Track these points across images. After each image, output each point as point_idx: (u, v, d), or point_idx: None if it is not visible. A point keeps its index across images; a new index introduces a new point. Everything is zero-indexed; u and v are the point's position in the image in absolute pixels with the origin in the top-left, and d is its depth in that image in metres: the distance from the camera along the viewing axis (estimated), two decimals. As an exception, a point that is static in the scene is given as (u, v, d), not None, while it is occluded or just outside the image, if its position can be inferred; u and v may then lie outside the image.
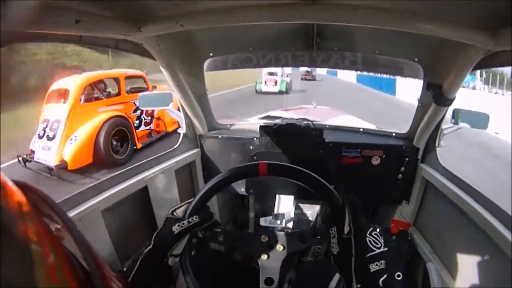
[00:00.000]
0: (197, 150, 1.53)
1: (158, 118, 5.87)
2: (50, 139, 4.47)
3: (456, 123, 1.30)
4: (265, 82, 13.65)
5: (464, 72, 1.06)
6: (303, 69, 18.44)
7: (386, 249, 0.65)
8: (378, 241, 0.65)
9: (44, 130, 4.56)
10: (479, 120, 1.33)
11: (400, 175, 1.39)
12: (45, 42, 1.00)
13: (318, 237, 0.79)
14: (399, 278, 1.03)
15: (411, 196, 1.40)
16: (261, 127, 1.43)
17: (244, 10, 0.89)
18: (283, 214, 1.35)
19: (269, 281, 0.75)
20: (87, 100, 4.83)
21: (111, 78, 5.44)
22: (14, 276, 0.22)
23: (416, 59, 1.24)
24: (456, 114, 1.30)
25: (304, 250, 1.11)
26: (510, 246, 0.81)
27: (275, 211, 1.39)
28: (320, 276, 0.81)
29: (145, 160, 1.30)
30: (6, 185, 0.26)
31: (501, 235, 0.85)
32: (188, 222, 0.76)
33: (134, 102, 5.25)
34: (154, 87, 6.03)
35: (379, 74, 13.24)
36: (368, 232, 0.66)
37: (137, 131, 5.36)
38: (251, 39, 1.32)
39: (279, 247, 0.79)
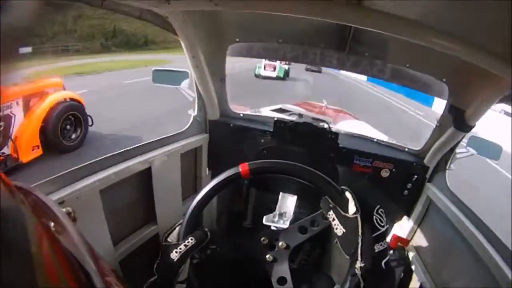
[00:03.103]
0: (205, 135, 1.49)
1: (16, 139, 3.76)
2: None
3: (470, 149, 1.32)
4: (264, 67, 14.28)
5: (490, 103, 1.06)
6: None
7: (387, 226, 0.66)
8: (383, 218, 0.67)
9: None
10: (490, 149, 1.35)
11: (406, 191, 1.40)
12: (65, 1, 0.91)
13: (317, 226, 0.78)
14: None
15: (412, 213, 1.42)
16: (276, 121, 1.40)
17: None
18: (285, 213, 1.34)
19: (281, 280, 0.75)
20: None
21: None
22: (14, 277, 0.21)
23: (444, 79, 1.23)
24: (470, 140, 1.31)
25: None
26: (506, 279, 0.82)
27: (278, 210, 1.39)
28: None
29: (150, 141, 1.24)
30: (5, 187, 0.26)
31: (499, 267, 0.86)
32: (185, 245, 0.74)
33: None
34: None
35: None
36: (375, 211, 0.67)
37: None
38: (282, 30, 1.26)
39: (282, 245, 0.79)
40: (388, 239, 1.23)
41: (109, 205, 1.03)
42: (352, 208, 0.66)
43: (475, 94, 1.09)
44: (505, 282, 0.83)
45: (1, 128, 3.63)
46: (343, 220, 0.66)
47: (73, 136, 4.45)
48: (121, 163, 1.09)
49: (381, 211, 0.66)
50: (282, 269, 0.77)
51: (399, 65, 1.27)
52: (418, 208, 1.38)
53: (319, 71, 18.49)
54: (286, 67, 15.09)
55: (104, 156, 1.05)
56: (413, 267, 1.28)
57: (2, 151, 3.69)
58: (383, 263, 0.62)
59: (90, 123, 4.62)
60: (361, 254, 0.63)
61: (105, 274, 0.37)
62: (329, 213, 0.69)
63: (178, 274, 0.74)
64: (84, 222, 0.86)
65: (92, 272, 0.31)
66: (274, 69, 14.37)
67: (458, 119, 1.17)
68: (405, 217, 1.47)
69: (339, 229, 0.67)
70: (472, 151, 1.33)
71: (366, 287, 0.60)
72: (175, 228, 0.81)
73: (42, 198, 0.36)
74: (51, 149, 4.07)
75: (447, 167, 1.33)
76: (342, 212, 0.67)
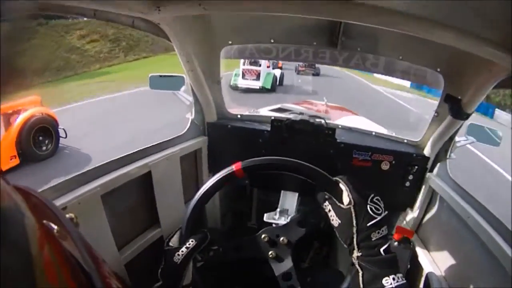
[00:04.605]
0: (204, 138, 1.50)
1: None
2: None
3: (468, 136, 1.31)
4: (243, 75, 9.81)
5: (486, 89, 1.05)
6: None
7: (386, 212, 0.65)
8: (379, 206, 0.65)
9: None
10: (489, 136, 1.34)
11: (407, 182, 1.39)
12: (58, 13, 0.94)
13: (315, 218, 0.78)
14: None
15: (415, 204, 1.41)
16: (272, 120, 1.41)
17: None
18: (287, 210, 1.35)
19: (286, 276, 0.75)
20: None
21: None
22: (14, 278, 0.22)
23: (438, 69, 1.23)
24: (470, 128, 1.30)
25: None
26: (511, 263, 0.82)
27: (279, 207, 1.39)
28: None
29: (150, 145, 1.26)
30: (5, 189, 0.26)
31: (504, 253, 0.85)
32: (186, 248, 0.75)
33: None
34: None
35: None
36: (370, 199, 0.65)
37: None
38: (274, 30, 1.27)
39: (283, 241, 0.79)
40: (388, 231, 1.22)
41: (112, 210, 1.05)
42: (346, 198, 0.65)
43: (470, 81, 1.09)
44: (507, 263, 0.83)
45: None
46: (338, 211, 0.66)
47: (45, 147, 5.04)
48: (121, 168, 1.10)
49: (376, 199, 0.65)
50: (286, 265, 0.77)
51: (392, 57, 1.28)
52: (421, 199, 1.38)
53: (317, 74, 13.65)
54: (278, 72, 10.75)
55: (104, 162, 1.07)
56: (419, 258, 1.27)
57: None
58: (381, 250, 0.61)
59: (64, 135, 5.21)
60: (357, 243, 0.62)
61: (106, 276, 0.38)
62: (324, 204, 0.69)
63: (182, 278, 0.74)
64: (87, 227, 0.88)
65: (91, 272, 0.32)
66: (258, 76, 9.81)
67: (455, 108, 1.17)
68: (408, 209, 1.46)
69: (335, 220, 0.67)
70: (472, 138, 1.33)
71: (366, 275, 0.60)
72: (176, 232, 0.81)
73: (41, 198, 0.36)
74: (27, 158, 4.70)
75: (447, 156, 1.32)
76: (337, 203, 0.66)
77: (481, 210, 1.04)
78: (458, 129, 1.26)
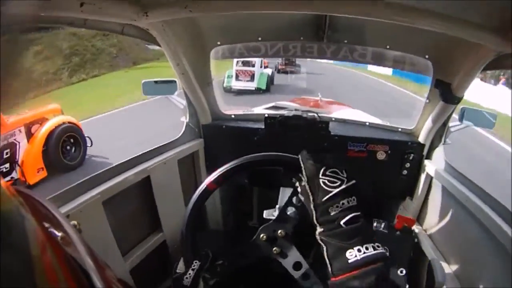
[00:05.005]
0: (200, 140, 1.51)
1: (22, 163, 4.10)
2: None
3: (460, 120, 1.31)
4: (237, 76, 9.58)
5: (474, 72, 1.06)
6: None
7: (351, 182, 0.59)
8: (337, 178, 0.59)
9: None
10: (485, 119, 1.34)
11: (405, 171, 1.39)
12: (49, 24, 0.96)
13: (299, 202, 0.78)
14: (402, 274, 1.04)
15: (415, 192, 1.41)
16: (266, 117, 1.42)
17: None
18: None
19: (296, 265, 0.76)
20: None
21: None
22: (14, 281, 0.21)
23: (426, 56, 1.23)
24: (462, 112, 1.30)
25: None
26: None
27: (279, 203, 1.40)
28: None
29: (147, 150, 1.28)
30: (6, 191, 0.26)
31: (505, 234, 0.85)
32: (192, 270, 0.77)
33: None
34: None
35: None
36: (321, 173, 0.59)
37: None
38: (261, 28, 1.29)
39: (281, 234, 0.79)
40: (390, 221, 1.21)
41: (113, 216, 1.06)
42: (303, 177, 0.62)
43: (459, 65, 1.10)
44: (509, 244, 0.83)
45: (8, 155, 3.96)
46: (301, 188, 0.63)
47: (73, 156, 4.74)
48: (119, 175, 1.12)
49: (330, 172, 0.59)
50: (293, 256, 0.77)
51: (379, 47, 1.29)
52: (420, 187, 1.37)
53: (297, 72, 13.29)
54: (269, 71, 10.56)
55: (102, 170, 1.08)
56: (422, 245, 1.27)
57: (11, 175, 4.04)
58: (342, 223, 0.56)
59: (89, 144, 4.91)
60: (317, 219, 0.58)
61: (110, 281, 0.38)
62: (296, 184, 0.67)
63: None
64: (90, 234, 0.89)
65: (91, 272, 0.32)
66: (252, 77, 9.56)
67: (446, 92, 1.17)
68: (408, 198, 1.46)
69: (301, 198, 0.65)
70: (467, 122, 1.33)
71: (329, 250, 0.56)
72: (180, 260, 0.86)
73: (42, 201, 0.36)
74: (56, 169, 4.38)
75: (442, 142, 1.32)
76: (301, 179, 0.63)
77: (480, 193, 1.03)
78: (451, 114, 1.27)
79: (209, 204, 1.58)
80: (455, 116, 1.31)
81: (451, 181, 1.16)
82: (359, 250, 0.53)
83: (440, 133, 1.32)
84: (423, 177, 1.36)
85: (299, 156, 0.65)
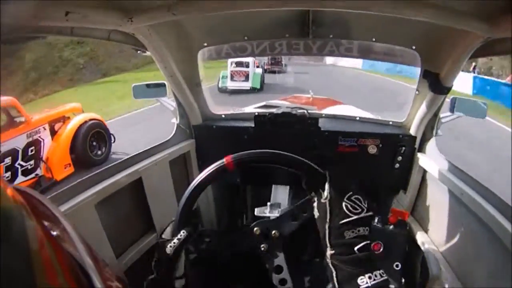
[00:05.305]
0: (191, 140, 1.52)
1: (48, 160, 4.21)
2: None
3: (451, 111, 1.29)
4: (232, 76, 10.03)
5: (462, 60, 1.06)
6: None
7: (370, 213, 0.62)
8: (358, 206, 0.62)
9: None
10: (477, 109, 1.32)
11: (397, 164, 1.38)
12: (37, 34, 0.97)
13: (307, 211, 0.77)
14: (397, 268, 1.03)
15: (408, 185, 1.40)
16: (255, 116, 1.42)
17: None
18: (279, 204, 1.35)
19: (277, 269, 0.75)
20: None
21: None
22: (14, 278, 0.22)
23: (413, 47, 1.23)
24: (453, 102, 1.29)
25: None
26: (509, 236, 0.80)
27: (271, 201, 1.39)
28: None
29: (138, 152, 1.28)
30: (6, 190, 0.26)
31: (500, 224, 0.84)
32: (178, 239, 0.75)
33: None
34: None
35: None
36: (346, 197, 0.62)
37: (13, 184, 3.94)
38: (246, 27, 1.29)
39: (275, 234, 0.78)
40: (384, 215, 1.20)
41: (107, 218, 1.07)
42: (326, 192, 0.64)
43: (446, 55, 1.09)
44: (507, 238, 0.81)
45: (33, 153, 4.03)
46: (319, 203, 0.65)
47: (99, 152, 4.97)
48: (111, 177, 1.12)
49: (355, 198, 0.62)
50: (278, 258, 0.77)
51: (366, 40, 1.28)
52: (413, 180, 1.36)
53: (284, 71, 13.62)
54: (261, 71, 11.03)
55: (94, 172, 1.09)
56: (416, 238, 1.26)
57: (35, 173, 4.12)
58: (356, 249, 0.59)
59: (112, 140, 5.15)
60: (329, 240, 0.61)
61: (108, 278, 0.38)
62: (312, 194, 0.69)
63: (175, 269, 0.75)
64: (83, 236, 0.89)
65: (92, 273, 0.32)
66: (247, 77, 10.02)
67: (434, 83, 1.17)
68: (401, 191, 1.45)
69: (316, 212, 0.66)
70: (458, 113, 1.31)
71: (340, 274, 0.58)
72: (168, 225, 0.83)
73: (41, 200, 0.36)
74: (82, 165, 4.52)
75: (434, 134, 1.31)
76: (321, 195, 0.66)
77: (474, 185, 1.02)
78: (441, 104, 1.25)
79: (202, 203, 1.58)
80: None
81: (444, 174, 1.15)
82: (369, 277, 0.57)
83: (431, 124, 1.31)
84: (416, 169, 1.35)
85: (326, 172, 0.67)
